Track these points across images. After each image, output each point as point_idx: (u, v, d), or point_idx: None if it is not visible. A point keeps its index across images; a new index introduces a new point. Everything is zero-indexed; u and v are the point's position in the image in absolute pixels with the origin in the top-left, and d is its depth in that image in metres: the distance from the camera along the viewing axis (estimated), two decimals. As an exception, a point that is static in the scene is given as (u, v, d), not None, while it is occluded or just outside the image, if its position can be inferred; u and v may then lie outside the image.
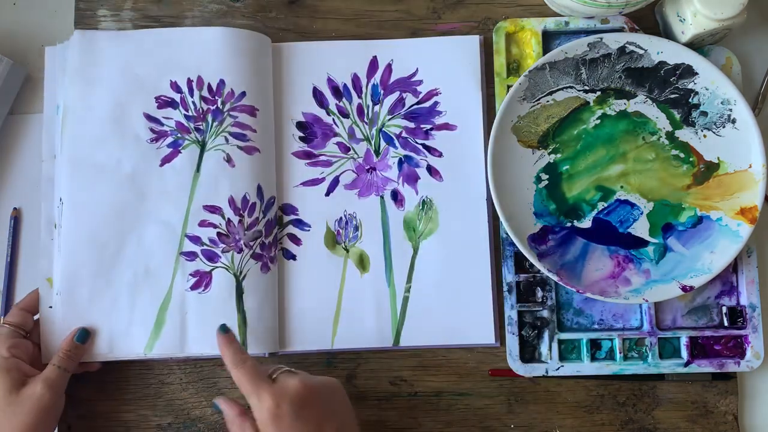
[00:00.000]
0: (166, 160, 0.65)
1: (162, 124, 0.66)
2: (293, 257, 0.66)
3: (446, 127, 0.68)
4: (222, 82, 0.66)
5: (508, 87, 0.67)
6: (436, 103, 0.68)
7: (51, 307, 0.63)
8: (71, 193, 0.64)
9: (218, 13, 0.69)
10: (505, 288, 0.66)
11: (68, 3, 0.70)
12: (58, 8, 0.70)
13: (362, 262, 0.67)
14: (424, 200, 0.67)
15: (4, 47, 0.69)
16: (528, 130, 0.66)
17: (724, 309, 0.66)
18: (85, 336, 0.62)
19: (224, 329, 0.59)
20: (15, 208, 0.68)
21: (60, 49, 0.67)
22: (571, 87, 0.66)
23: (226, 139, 0.65)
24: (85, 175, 0.64)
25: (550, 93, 0.66)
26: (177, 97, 0.66)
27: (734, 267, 0.67)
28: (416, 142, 0.68)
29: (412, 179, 0.67)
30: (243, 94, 0.66)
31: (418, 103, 0.68)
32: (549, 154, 0.66)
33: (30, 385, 0.57)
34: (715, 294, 0.67)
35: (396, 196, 0.67)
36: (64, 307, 0.63)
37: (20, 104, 0.69)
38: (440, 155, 0.67)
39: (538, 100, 0.66)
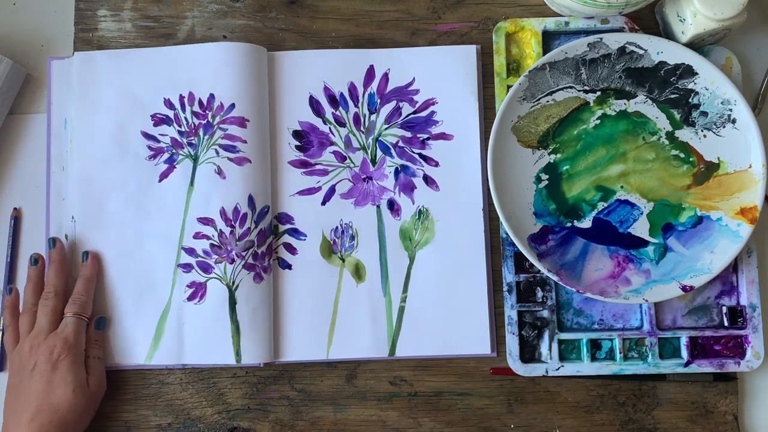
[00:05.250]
0: (163, 175, 0.66)
1: (158, 141, 0.67)
2: (289, 267, 0.66)
3: (443, 136, 0.68)
4: (212, 96, 0.66)
5: (508, 87, 0.67)
6: (432, 113, 0.68)
7: None
8: (82, 211, 0.66)
9: (218, 13, 0.69)
10: (505, 288, 0.66)
11: (68, 3, 0.70)
12: (58, 8, 0.70)
13: (358, 272, 0.66)
14: (420, 210, 0.67)
15: (4, 47, 0.69)
16: (528, 130, 0.66)
17: (724, 309, 0.66)
18: (103, 322, 0.65)
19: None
20: (15, 208, 0.68)
21: (66, 63, 0.68)
22: (571, 87, 0.66)
23: (217, 152, 0.66)
24: (94, 194, 0.66)
25: (550, 93, 0.66)
26: (171, 113, 0.67)
27: (734, 267, 0.67)
28: (413, 152, 0.68)
29: (408, 189, 0.67)
30: (232, 106, 0.66)
31: (414, 112, 0.68)
32: (549, 154, 0.66)
33: (90, 379, 0.63)
34: (715, 294, 0.67)
35: (392, 206, 0.67)
36: None
37: (20, 104, 0.69)
38: (437, 165, 0.67)
39: (538, 100, 0.66)
